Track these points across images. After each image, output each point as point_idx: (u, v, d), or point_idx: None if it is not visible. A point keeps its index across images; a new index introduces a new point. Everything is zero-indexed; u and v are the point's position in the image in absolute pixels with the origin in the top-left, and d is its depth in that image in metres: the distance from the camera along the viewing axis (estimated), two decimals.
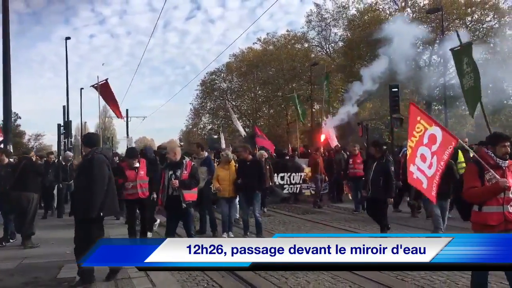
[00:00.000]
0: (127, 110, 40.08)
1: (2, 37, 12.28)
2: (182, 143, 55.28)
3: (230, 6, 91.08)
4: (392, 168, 8.58)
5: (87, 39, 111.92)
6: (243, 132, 22.58)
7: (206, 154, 10.35)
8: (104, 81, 18.11)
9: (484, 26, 31.62)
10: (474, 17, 31.66)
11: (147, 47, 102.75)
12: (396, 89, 18.00)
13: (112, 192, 5.89)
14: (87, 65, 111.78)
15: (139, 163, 8.05)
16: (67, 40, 30.35)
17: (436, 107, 32.82)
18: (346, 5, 38.90)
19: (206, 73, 47.68)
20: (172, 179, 6.65)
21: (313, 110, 37.48)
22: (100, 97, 17.97)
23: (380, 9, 36.34)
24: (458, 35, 9.97)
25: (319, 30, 41.23)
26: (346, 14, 38.89)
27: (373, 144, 9.29)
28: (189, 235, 6.86)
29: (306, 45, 43.47)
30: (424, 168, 5.82)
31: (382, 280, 5.92)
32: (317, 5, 40.32)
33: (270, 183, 12.80)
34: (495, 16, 31.28)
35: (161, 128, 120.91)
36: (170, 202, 6.74)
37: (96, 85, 18.08)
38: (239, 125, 23.01)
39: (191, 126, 54.43)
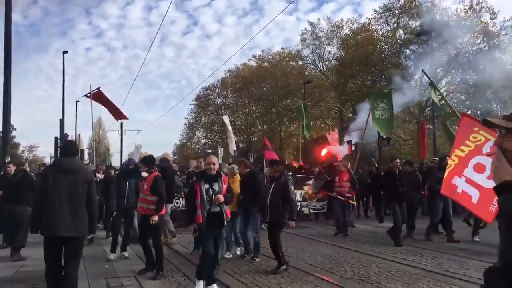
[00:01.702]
0: (121, 123, 40.22)
1: (4, 50, 12.54)
2: (175, 157, 55.58)
3: (227, 22, 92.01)
4: (292, 188, 7.71)
5: (83, 52, 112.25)
6: (232, 149, 21.78)
7: None
8: (97, 90, 18.48)
9: (474, 48, 32.34)
10: (464, 40, 32.32)
11: (143, 61, 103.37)
12: None
13: (54, 209, 4.97)
14: (83, 77, 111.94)
15: (147, 173, 7.30)
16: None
17: (427, 126, 33.29)
18: (340, 25, 39.95)
19: (201, 88, 48.47)
20: (211, 193, 6.05)
21: None
22: (94, 107, 18.31)
23: (373, 30, 37.19)
24: (425, 73, 10.26)
25: (313, 49, 42.10)
26: (340, 33, 39.83)
27: (270, 163, 8.54)
28: (218, 252, 6.27)
29: (300, 62, 44.18)
30: (478, 179, 5.25)
31: None
32: (311, 24, 41.42)
33: None
34: (485, 39, 32.03)
35: (155, 141, 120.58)
36: (211, 220, 6.05)
37: (89, 94, 18.43)
38: (232, 141, 22.42)
39: (185, 140, 54.83)
